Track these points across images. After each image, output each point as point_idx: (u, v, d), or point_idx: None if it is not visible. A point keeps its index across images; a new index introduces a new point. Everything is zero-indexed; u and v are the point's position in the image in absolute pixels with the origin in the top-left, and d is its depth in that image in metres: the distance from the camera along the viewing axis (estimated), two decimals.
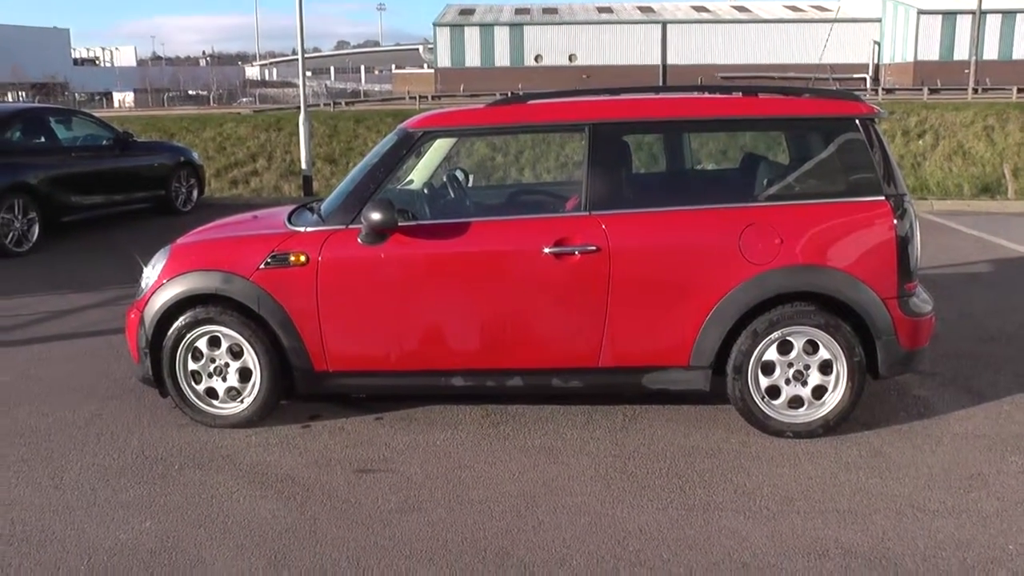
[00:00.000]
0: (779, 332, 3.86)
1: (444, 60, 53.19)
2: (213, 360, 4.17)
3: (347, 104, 26.01)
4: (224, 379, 4.18)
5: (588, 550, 3.05)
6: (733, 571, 2.92)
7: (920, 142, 15.32)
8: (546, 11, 56.37)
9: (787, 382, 3.92)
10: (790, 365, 3.90)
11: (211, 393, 4.22)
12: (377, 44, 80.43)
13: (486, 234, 3.95)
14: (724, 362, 3.93)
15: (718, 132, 4.06)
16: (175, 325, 4.13)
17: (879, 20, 49.64)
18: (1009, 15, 41.37)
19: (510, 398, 4.38)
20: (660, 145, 4.19)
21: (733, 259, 3.81)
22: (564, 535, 3.16)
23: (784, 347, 3.89)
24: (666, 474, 3.64)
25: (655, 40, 54.81)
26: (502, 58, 53.86)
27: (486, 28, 53.29)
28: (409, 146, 4.10)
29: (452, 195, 4.76)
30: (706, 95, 4.13)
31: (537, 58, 54.76)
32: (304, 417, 4.33)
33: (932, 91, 28.33)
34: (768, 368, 3.92)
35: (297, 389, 4.18)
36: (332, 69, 61.00)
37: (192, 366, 4.19)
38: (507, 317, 3.95)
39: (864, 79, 42.66)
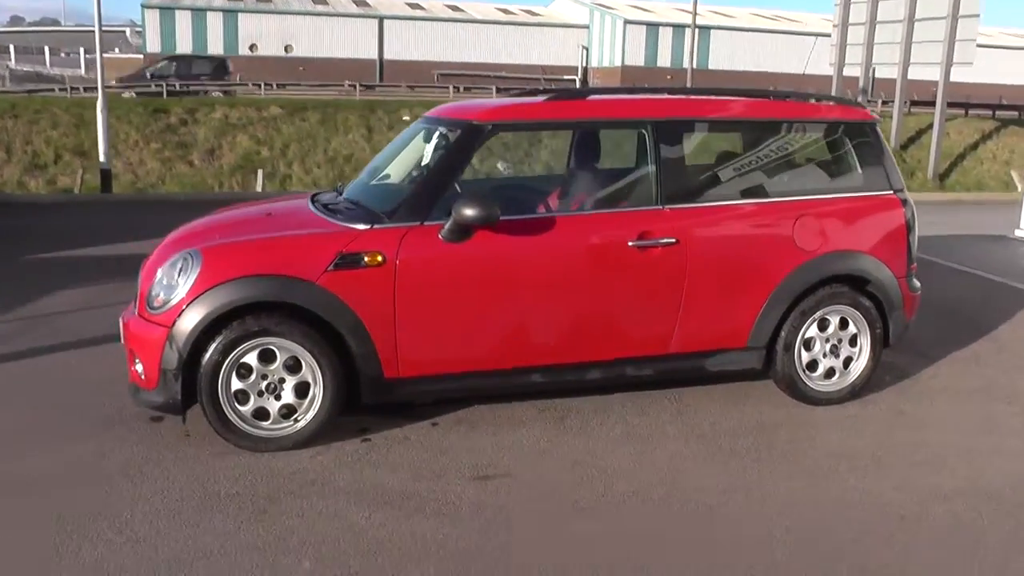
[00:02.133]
0: (821, 311, 4.31)
1: (154, 45, 48.87)
2: (265, 376, 3.75)
3: (84, 91, 23.19)
4: (278, 397, 3.78)
5: (783, 521, 3.25)
6: (897, 522, 3.27)
7: None
8: None
9: (824, 355, 4.38)
10: (827, 340, 4.37)
11: (259, 414, 3.79)
12: (57, 23, 71.72)
13: (575, 228, 3.97)
14: (774, 341, 4.30)
15: (764, 132, 4.41)
16: (218, 340, 3.66)
17: (587, 27, 53.62)
18: (704, 30, 47.24)
19: (578, 391, 4.39)
20: (715, 142, 4.46)
21: (789, 248, 4.19)
22: (755, 510, 3.34)
23: (822, 324, 4.35)
24: (759, 448, 3.93)
25: (372, 35, 54.62)
26: (215, 46, 50.65)
27: (198, 13, 49.81)
28: (481, 139, 3.97)
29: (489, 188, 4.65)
30: (749, 98, 4.48)
31: (252, 47, 52.25)
32: (352, 432, 4.02)
33: None
34: (808, 344, 4.35)
35: (363, 399, 3.89)
36: (12, 48, 53.24)
37: (237, 385, 3.73)
38: (592, 310, 4.00)
39: (574, 81, 46.02)
